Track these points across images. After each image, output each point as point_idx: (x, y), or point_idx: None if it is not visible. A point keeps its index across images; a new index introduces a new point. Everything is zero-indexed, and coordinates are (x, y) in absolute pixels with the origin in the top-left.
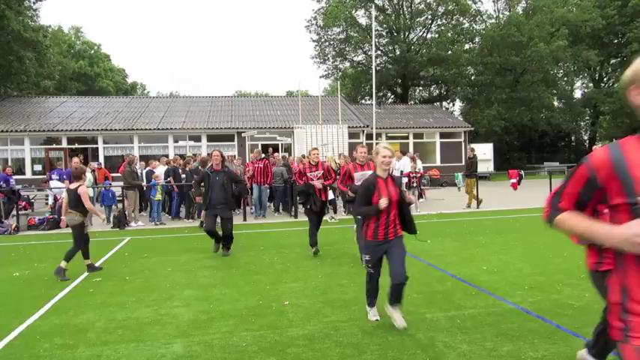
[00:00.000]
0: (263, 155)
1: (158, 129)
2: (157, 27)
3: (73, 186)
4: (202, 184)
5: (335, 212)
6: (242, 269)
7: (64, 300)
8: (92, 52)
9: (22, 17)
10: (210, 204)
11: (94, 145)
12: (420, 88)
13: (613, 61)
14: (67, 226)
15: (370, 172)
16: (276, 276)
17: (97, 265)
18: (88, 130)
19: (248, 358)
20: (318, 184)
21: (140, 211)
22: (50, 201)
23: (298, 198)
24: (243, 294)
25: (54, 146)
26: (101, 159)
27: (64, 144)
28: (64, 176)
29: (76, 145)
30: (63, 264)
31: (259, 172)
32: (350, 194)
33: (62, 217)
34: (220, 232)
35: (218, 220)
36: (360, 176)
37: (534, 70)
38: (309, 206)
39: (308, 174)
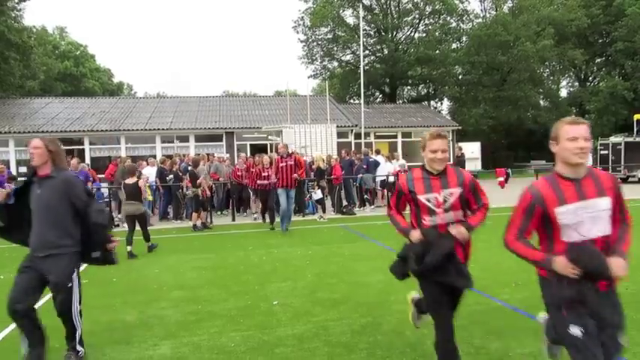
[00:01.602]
0: (292, 150)
1: (145, 129)
2: (144, 26)
3: (130, 181)
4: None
5: (324, 212)
6: (230, 270)
7: (49, 303)
8: (78, 52)
9: (5, 18)
10: (30, 247)
11: (80, 147)
12: (408, 87)
13: (598, 60)
14: (128, 215)
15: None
16: (265, 276)
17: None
18: (74, 131)
19: (236, 358)
20: (457, 234)
21: None
22: None
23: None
24: (231, 294)
25: None
26: (87, 160)
27: None
28: None
29: (62, 147)
30: (129, 248)
31: (286, 171)
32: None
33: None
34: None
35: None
36: None
37: (521, 69)
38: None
39: (422, 198)
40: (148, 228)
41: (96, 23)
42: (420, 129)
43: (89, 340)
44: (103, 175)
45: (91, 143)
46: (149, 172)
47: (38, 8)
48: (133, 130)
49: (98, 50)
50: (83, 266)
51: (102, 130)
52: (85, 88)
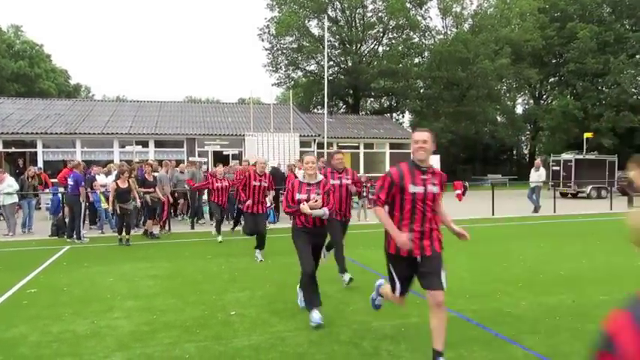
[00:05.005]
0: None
1: (103, 133)
2: (104, 28)
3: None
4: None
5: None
6: (188, 279)
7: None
8: (33, 52)
9: None
10: None
11: (33, 149)
12: (371, 99)
13: (551, 79)
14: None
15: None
16: (223, 285)
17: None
18: (27, 133)
19: None
20: None
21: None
22: None
23: None
24: (188, 304)
25: None
26: (40, 164)
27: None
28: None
29: (13, 149)
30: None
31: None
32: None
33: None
34: None
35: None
36: None
37: (479, 86)
38: None
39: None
40: (102, 235)
41: (54, 22)
42: (382, 140)
43: (37, 352)
44: (56, 180)
45: (44, 146)
46: (109, 180)
47: None
48: (89, 133)
49: (55, 50)
50: (32, 274)
51: (56, 133)
52: (39, 89)
